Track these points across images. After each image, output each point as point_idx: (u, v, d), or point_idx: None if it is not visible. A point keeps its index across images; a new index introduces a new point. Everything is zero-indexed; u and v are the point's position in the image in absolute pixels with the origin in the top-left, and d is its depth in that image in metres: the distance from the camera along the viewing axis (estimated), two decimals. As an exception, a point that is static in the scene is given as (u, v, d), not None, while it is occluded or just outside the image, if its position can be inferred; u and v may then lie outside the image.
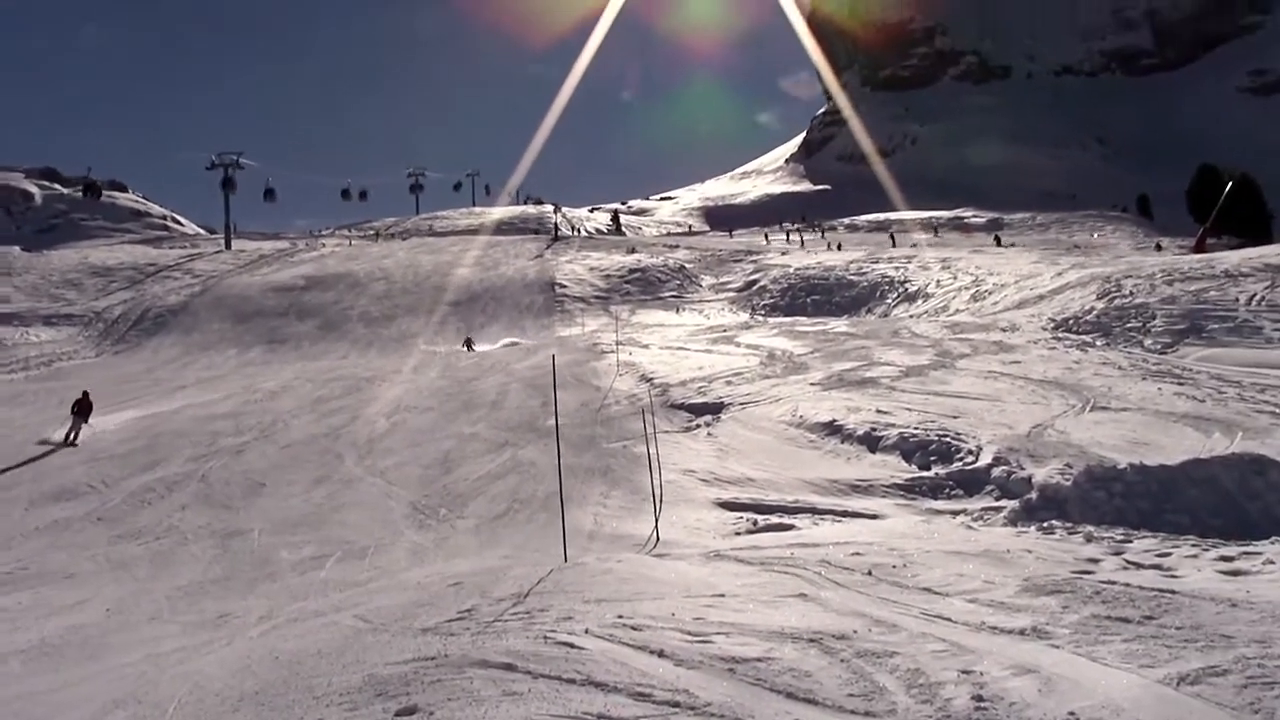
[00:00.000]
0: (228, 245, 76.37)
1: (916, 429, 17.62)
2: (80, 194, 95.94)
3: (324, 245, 77.86)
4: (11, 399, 34.13)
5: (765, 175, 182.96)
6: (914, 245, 65.44)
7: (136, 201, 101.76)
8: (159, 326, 51.61)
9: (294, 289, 57.16)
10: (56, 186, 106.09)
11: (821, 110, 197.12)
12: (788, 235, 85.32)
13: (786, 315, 46.52)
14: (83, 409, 25.56)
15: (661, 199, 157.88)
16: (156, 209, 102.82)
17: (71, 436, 24.62)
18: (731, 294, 54.16)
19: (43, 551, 16.11)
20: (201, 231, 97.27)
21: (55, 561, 15.45)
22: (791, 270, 55.33)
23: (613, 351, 29.55)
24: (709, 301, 53.14)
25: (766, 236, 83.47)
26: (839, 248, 67.30)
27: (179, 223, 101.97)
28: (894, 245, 66.67)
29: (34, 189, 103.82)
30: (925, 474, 15.77)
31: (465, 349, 40.03)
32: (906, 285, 48.21)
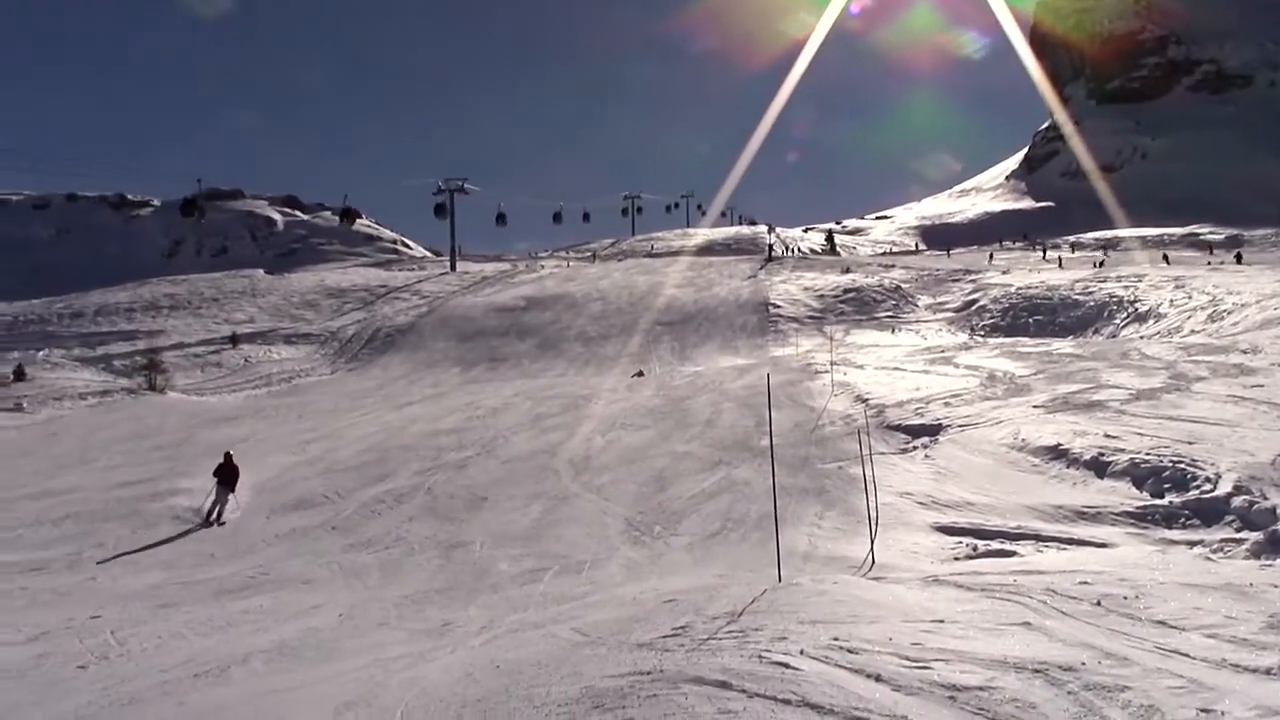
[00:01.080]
0: (453, 267, 79.24)
1: (1149, 454, 16.77)
2: (337, 220, 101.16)
3: (543, 267, 79.95)
4: (255, 413, 36.20)
5: (985, 192, 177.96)
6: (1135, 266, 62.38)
7: (369, 226, 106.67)
8: (388, 345, 53.94)
9: (514, 309, 58.85)
10: (297, 213, 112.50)
11: (1045, 125, 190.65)
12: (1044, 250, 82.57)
13: (1007, 336, 45.15)
14: (226, 477, 20.89)
15: (877, 218, 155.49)
16: (387, 233, 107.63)
17: (216, 514, 20.28)
18: (950, 314, 52.93)
19: (281, 558, 17.01)
20: (429, 254, 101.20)
21: (293, 568, 16.29)
22: (1013, 289, 53.69)
23: (827, 372, 29.27)
24: (926, 321, 52.07)
25: (991, 256, 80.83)
26: (1060, 264, 64.94)
27: (408, 246, 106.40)
28: (1099, 266, 63.60)
29: (277, 216, 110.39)
30: (1158, 502, 14.99)
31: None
32: (1137, 305, 46.09)
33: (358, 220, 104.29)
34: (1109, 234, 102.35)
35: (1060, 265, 65.56)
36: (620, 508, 17.99)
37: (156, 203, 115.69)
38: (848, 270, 64.53)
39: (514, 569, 14.85)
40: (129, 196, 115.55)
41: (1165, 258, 67.93)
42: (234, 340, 56.04)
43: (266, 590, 14.92)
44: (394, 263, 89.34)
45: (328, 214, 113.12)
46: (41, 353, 54.11)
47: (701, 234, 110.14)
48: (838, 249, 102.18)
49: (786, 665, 6.94)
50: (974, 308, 52.80)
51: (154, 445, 29.78)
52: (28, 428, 36.72)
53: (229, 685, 9.89)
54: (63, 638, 12.53)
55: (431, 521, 18.45)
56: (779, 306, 54.37)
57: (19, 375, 47.55)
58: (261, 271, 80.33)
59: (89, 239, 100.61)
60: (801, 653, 7.27)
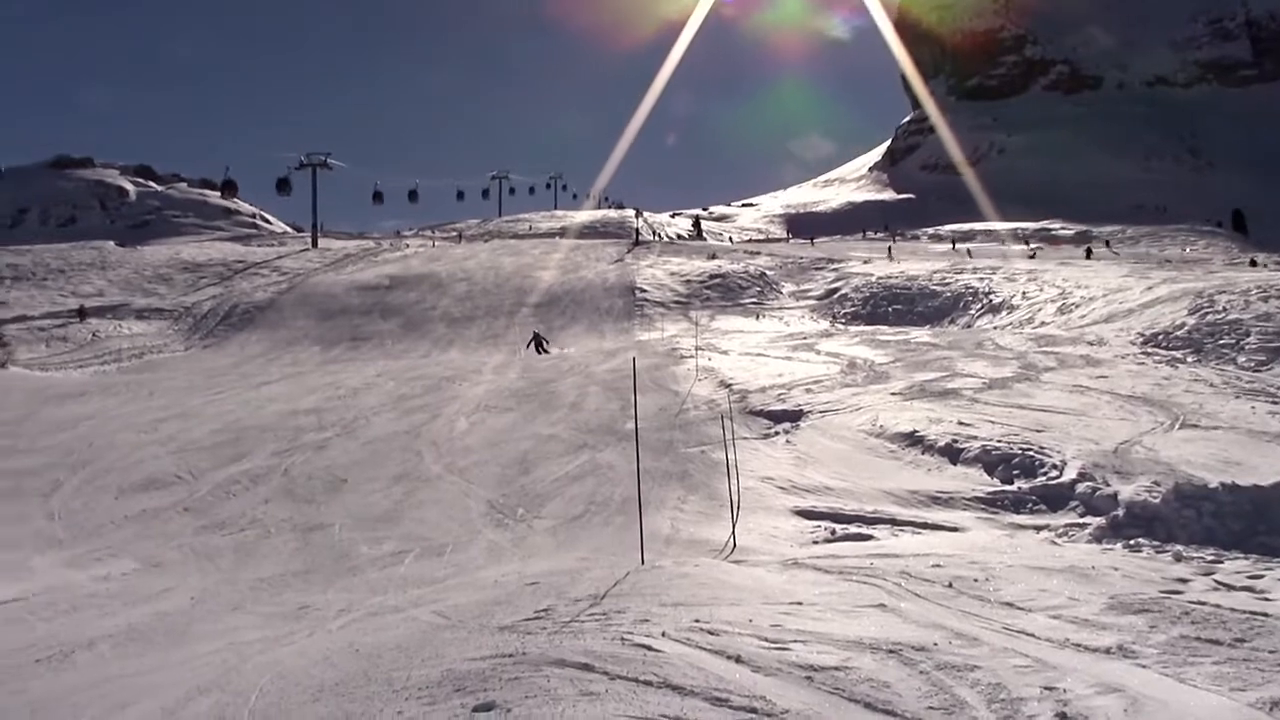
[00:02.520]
0: (314, 244, 77.61)
1: (1000, 442, 17.36)
2: (219, 193, 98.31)
3: (407, 246, 78.84)
4: (104, 390, 34.95)
5: (849, 183, 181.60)
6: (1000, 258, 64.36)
7: (227, 200, 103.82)
8: (246, 322, 52.65)
9: (378, 288, 57.97)
10: (151, 184, 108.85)
11: (907, 119, 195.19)
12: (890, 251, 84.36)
13: (868, 324, 46.13)
14: None
15: (744, 205, 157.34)
16: (246, 207, 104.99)
17: None
18: (812, 301, 53.87)
19: (131, 540, 16.46)
20: (289, 230, 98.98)
21: (143, 550, 15.79)
22: (874, 279, 54.89)
23: (692, 357, 29.52)
24: (789, 309, 52.91)
25: (866, 233, 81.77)
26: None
27: (268, 221, 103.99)
28: (969, 256, 65.54)
29: (129, 186, 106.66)
30: (1008, 488, 15.52)
31: (534, 349, 39.55)
32: (991, 296, 47.57)
33: (204, 192, 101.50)
34: (966, 226, 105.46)
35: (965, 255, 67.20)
36: (483, 490, 17.87)
37: (1, 169, 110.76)
38: (714, 256, 65.16)
39: (374, 552, 14.65)
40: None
41: (1026, 242, 70.30)
42: (81, 314, 53.96)
43: (112, 574, 14.43)
44: (253, 238, 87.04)
45: (183, 185, 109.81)
46: None
47: (569, 216, 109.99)
48: (704, 235, 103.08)
49: (649, 648, 6.98)
50: (836, 296, 53.84)
51: (-6, 422, 28.53)
52: None
53: (74, 671, 9.56)
54: (-109, 623, 11.94)
55: (289, 503, 18.06)
56: (645, 291, 54.62)
57: None
58: (112, 243, 77.45)
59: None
60: (664, 635, 7.32)
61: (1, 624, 11.69)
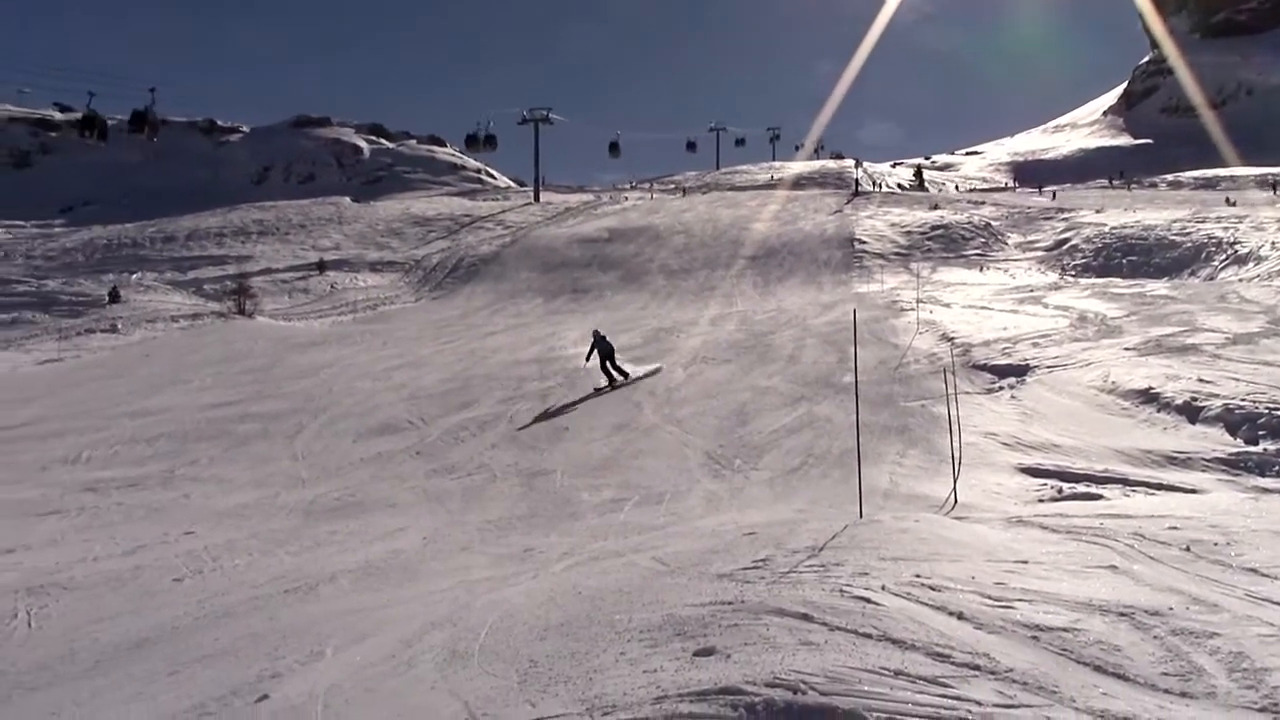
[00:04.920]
0: (536, 198, 79.27)
1: (1244, 400, 16.39)
2: (424, 148, 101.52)
3: (626, 199, 79.68)
4: (341, 339, 36.77)
5: (1080, 129, 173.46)
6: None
7: (454, 155, 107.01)
8: (472, 274, 54.33)
9: (597, 241, 58.85)
10: (382, 141, 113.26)
11: (1145, 59, 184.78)
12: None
13: (1100, 276, 44.18)
14: None
15: (967, 153, 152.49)
16: (472, 163, 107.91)
17: None
18: (1040, 253, 51.88)
19: (367, 482, 17.32)
20: (513, 184, 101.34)
21: (378, 491, 16.59)
22: (1107, 229, 52.43)
23: (912, 309, 28.95)
24: (1015, 260, 51.12)
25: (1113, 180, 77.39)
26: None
27: (492, 176, 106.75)
28: (1231, 204, 61.56)
29: (363, 143, 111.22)
30: (1253, 449, 14.66)
31: (603, 367, 23.46)
32: (1237, 247, 44.77)
33: (431, 148, 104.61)
34: (1211, 173, 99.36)
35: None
36: (701, 440, 18.03)
37: (246, 129, 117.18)
38: (936, 206, 63.45)
39: (594, 498, 14.99)
40: (219, 122, 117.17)
41: (1275, 187, 65.78)
42: (321, 267, 56.81)
43: (353, 513, 15.21)
44: (478, 192, 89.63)
45: (413, 142, 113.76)
46: (135, 275, 55.37)
47: (787, 168, 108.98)
48: (926, 185, 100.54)
49: (868, 600, 6.92)
50: (1065, 247, 51.68)
51: (243, 368, 30.42)
52: (122, 348, 37.73)
53: (318, 602, 10.15)
54: (158, 551, 12.92)
55: (513, 449, 18.66)
56: (864, 242, 53.69)
57: (114, 297, 48.75)
58: (348, 199, 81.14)
59: (180, 164, 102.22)
60: (883, 588, 7.25)
61: (257, 556, 12.51)
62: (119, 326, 42.26)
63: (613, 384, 22.42)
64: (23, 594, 10.90)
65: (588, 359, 22.96)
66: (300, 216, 71.52)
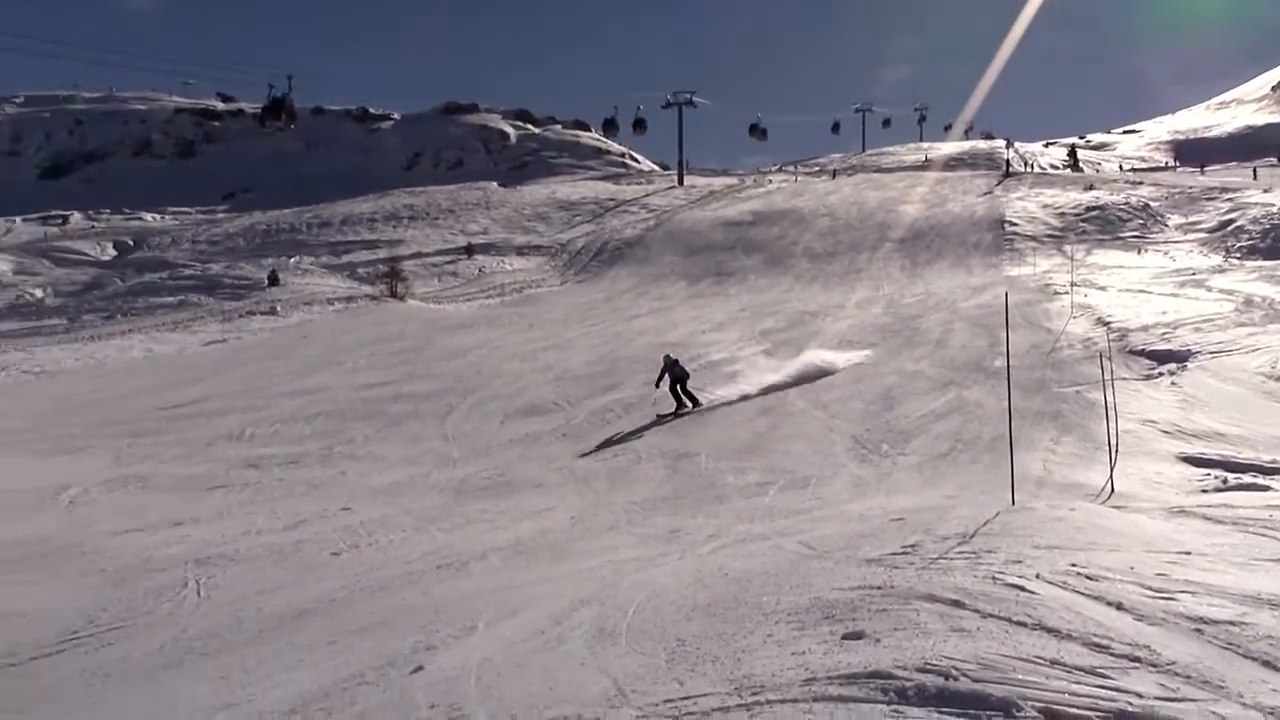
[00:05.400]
0: (680, 182, 79.30)
1: None
2: (602, 132, 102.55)
3: (770, 182, 79.17)
4: (489, 321, 37.44)
5: (1247, 105, 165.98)
6: None
7: (598, 140, 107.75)
8: (616, 258, 54.65)
9: (741, 224, 58.59)
10: (528, 126, 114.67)
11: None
12: None
13: (1267, 259, 42.23)
14: None
15: (1124, 132, 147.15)
16: (616, 147, 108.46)
17: None
18: (1202, 234, 49.80)
19: (515, 462, 17.63)
20: (656, 169, 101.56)
21: (526, 471, 16.87)
22: (1275, 209, 50.09)
23: (1066, 293, 28.18)
24: (1176, 242, 49.16)
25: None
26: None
27: (636, 160, 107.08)
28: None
29: (509, 129, 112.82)
30: None
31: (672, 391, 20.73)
32: None
33: (575, 133, 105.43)
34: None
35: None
36: (847, 425, 17.87)
37: (396, 116, 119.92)
38: (1091, 187, 61.42)
39: (739, 481, 14.99)
40: (371, 110, 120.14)
41: None
42: (469, 251, 57.82)
43: (502, 492, 15.51)
44: (622, 176, 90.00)
45: (558, 127, 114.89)
46: (293, 259, 57.16)
47: (936, 148, 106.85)
48: (1081, 165, 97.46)
49: (1022, 588, 6.78)
50: (1230, 228, 49.53)
51: (395, 350, 31.20)
52: (281, 330, 39.05)
53: (469, 578, 10.38)
54: (317, 526, 13.39)
55: (658, 432, 18.77)
56: (1016, 224, 52.29)
57: (273, 280, 50.46)
58: (495, 184, 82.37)
59: (334, 151, 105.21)
60: (1037, 577, 7.09)
61: (410, 532, 12.85)
62: (278, 309, 43.72)
63: (678, 411, 20.06)
64: (192, 565, 11.42)
65: (658, 383, 20.66)
66: (449, 201, 72.87)
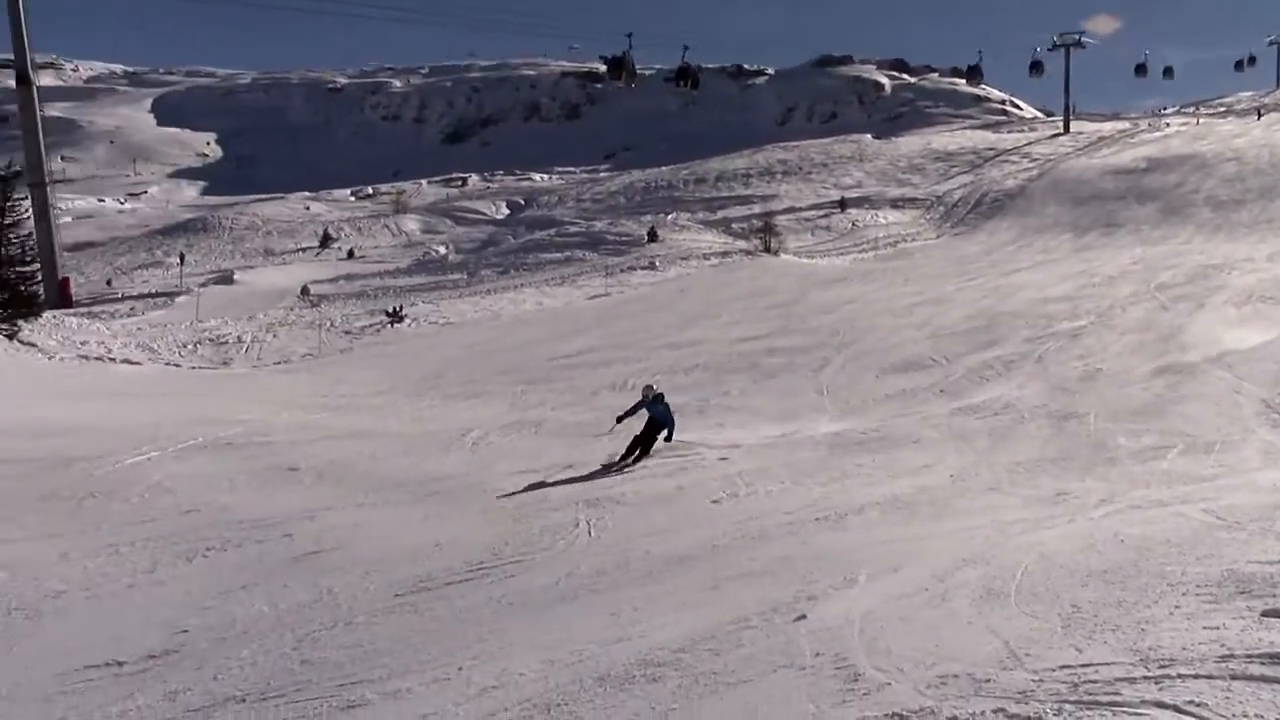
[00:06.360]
0: (1066, 129, 75.25)
1: None
2: (951, 81, 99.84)
3: (1167, 125, 73.70)
4: (862, 276, 37.13)
5: None
6: None
7: (977, 88, 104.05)
8: (996, 210, 52.73)
9: (1133, 171, 55.05)
10: (904, 76, 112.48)
11: None
12: None
13: None
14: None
15: None
16: (996, 94, 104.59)
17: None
18: None
19: (891, 417, 17.40)
20: (1039, 115, 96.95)
21: (902, 427, 16.61)
22: None
23: None
24: None
25: None
26: None
27: (1017, 107, 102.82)
28: None
29: (884, 80, 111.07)
30: None
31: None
32: None
33: (953, 81, 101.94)
34: None
35: None
36: (1256, 387, 16.45)
37: (770, 71, 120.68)
38: None
39: (1133, 444, 14.13)
40: (745, 67, 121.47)
41: None
42: (842, 204, 57.45)
43: (877, 447, 15.35)
44: (1002, 125, 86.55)
45: (934, 75, 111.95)
46: (670, 216, 58.84)
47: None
48: None
49: None
50: None
51: (769, 304, 31.50)
52: (660, 285, 40.31)
53: (847, 531, 10.38)
54: (697, 475, 13.75)
55: (1042, 390, 18.00)
56: None
57: (652, 236, 52.19)
58: (869, 136, 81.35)
59: (712, 109, 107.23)
60: None
61: (787, 484, 12.97)
62: (656, 264, 45.17)
63: (627, 458, 14.39)
64: (582, 506, 12.03)
65: (621, 419, 14.90)
66: (822, 155, 72.63)
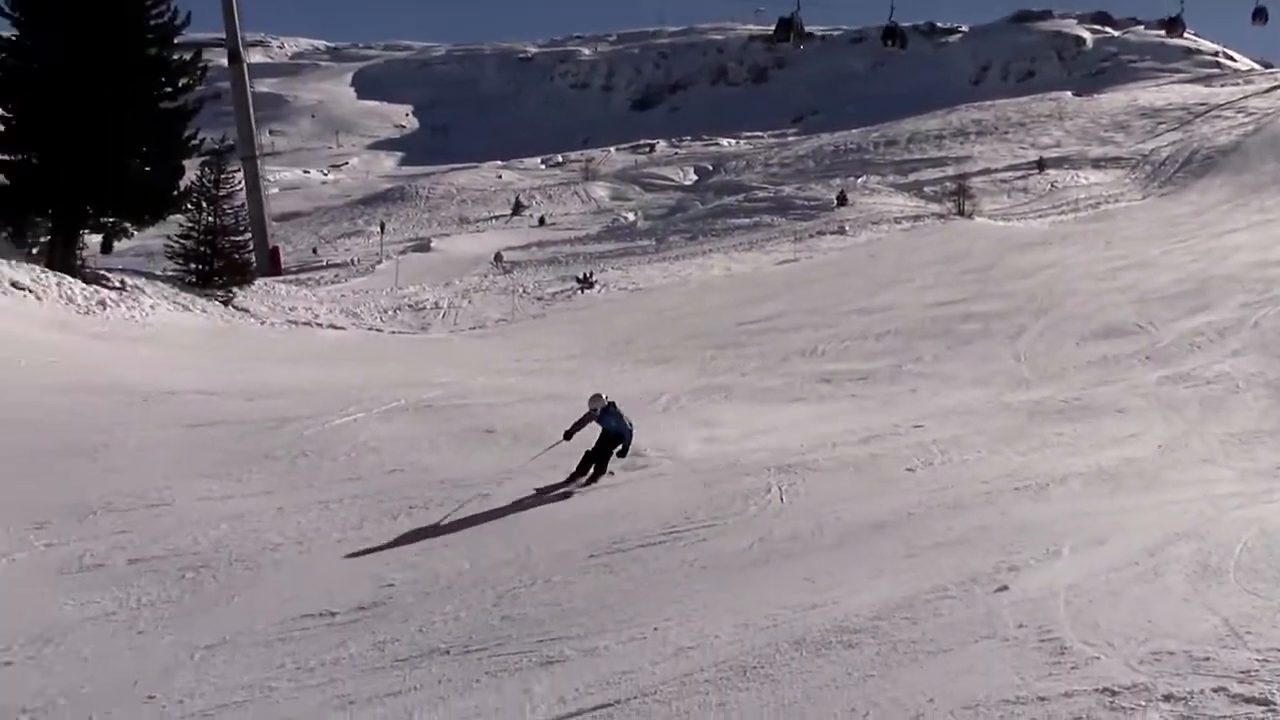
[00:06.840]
0: (1288, 80, 70.91)
1: None
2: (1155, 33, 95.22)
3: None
4: (1062, 239, 35.85)
5: None
6: None
7: (1187, 40, 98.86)
8: (1207, 168, 50.12)
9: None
10: (1107, 30, 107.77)
11: None
12: None
13: None
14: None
15: None
16: (1208, 45, 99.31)
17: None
18: None
19: (1093, 385, 16.81)
20: (1256, 67, 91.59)
21: (1105, 395, 16.04)
22: None
23: None
24: None
25: None
26: None
27: (1231, 59, 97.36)
28: None
29: (1086, 34, 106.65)
30: None
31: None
32: None
33: (1180, 34, 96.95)
34: None
35: None
36: None
37: (965, 29, 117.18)
38: None
39: (1362, 416, 13.32)
40: (938, 24, 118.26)
41: None
42: (1040, 165, 55.45)
43: (1079, 416, 14.86)
44: (1215, 78, 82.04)
45: (1139, 28, 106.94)
46: (860, 179, 57.83)
47: None
48: None
49: None
50: None
51: (963, 268, 30.74)
52: (849, 249, 39.73)
53: (1048, 502, 10.11)
54: (890, 442, 13.56)
55: (1259, 358, 17.12)
56: None
57: (841, 200, 51.40)
58: (1069, 93, 78.25)
59: (902, 68, 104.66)
60: None
61: (984, 452, 12.66)
62: (846, 228, 44.45)
63: (579, 476, 12.17)
64: (774, 471, 11.99)
65: (570, 432, 12.28)
66: (1019, 114, 70.19)
